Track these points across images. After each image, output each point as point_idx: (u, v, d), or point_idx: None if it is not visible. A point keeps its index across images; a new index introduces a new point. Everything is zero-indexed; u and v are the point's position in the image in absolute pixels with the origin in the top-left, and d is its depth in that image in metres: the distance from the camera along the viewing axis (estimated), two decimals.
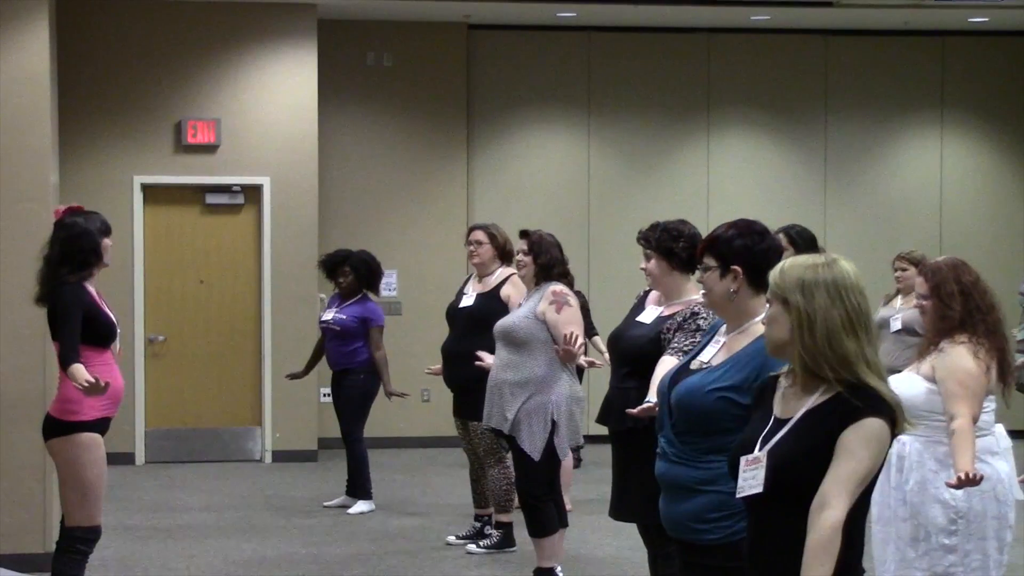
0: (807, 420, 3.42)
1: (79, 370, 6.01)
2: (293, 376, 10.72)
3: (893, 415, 3.36)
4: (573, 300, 7.59)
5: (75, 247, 6.32)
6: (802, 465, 3.37)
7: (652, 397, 5.23)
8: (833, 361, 3.38)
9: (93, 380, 5.91)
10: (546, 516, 7.54)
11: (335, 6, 12.83)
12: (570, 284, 7.81)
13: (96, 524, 6.36)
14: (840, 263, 3.48)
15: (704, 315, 5.53)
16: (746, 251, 4.31)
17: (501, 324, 7.72)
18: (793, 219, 9.31)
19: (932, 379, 5.35)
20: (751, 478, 3.44)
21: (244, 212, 12.71)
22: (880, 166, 14.17)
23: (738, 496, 3.51)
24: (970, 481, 4.95)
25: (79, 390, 5.97)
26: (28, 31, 8.18)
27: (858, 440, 3.32)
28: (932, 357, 5.38)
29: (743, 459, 3.49)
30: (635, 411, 5.25)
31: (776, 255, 4.37)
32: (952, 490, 5.22)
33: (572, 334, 7.16)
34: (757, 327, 4.21)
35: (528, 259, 7.70)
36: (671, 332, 5.69)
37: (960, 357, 5.30)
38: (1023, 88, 14.32)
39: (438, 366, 9.06)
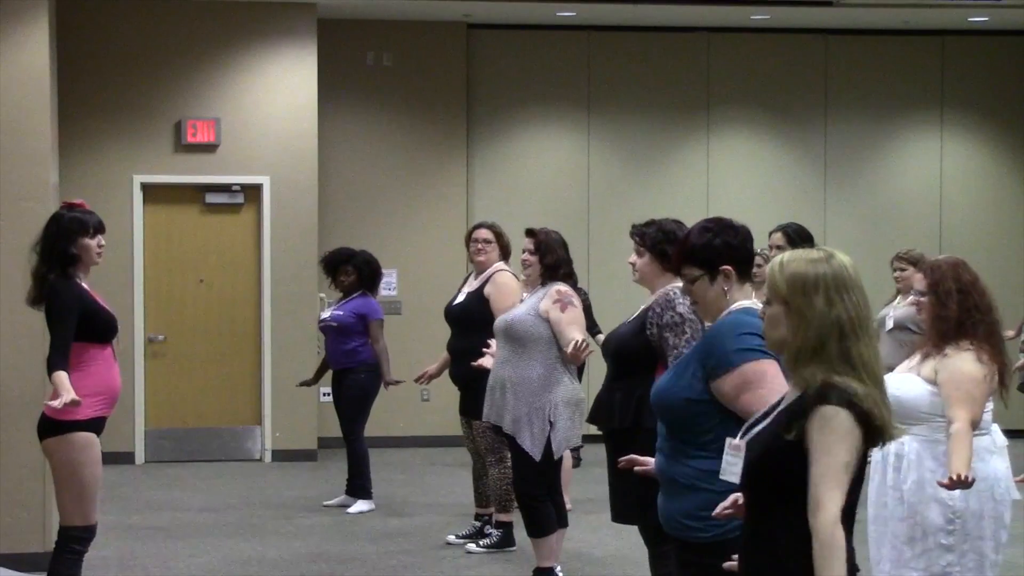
0: (782, 413, 3.43)
1: (62, 379, 5.99)
2: (304, 383, 10.81)
3: (862, 408, 3.29)
4: (577, 300, 7.57)
5: (51, 239, 6.28)
6: (769, 455, 3.37)
7: None
8: (811, 360, 3.37)
9: (69, 400, 5.90)
10: (544, 516, 7.53)
11: (335, 6, 12.83)
12: (574, 284, 7.78)
13: (91, 523, 6.33)
14: (838, 257, 3.46)
15: (680, 300, 5.53)
16: (729, 248, 4.31)
17: (501, 320, 7.70)
18: (793, 219, 9.30)
19: (933, 381, 5.34)
20: (732, 464, 3.46)
21: (244, 212, 12.71)
22: (880, 166, 14.17)
23: (720, 478, 3.53)
24: (962, 483, 4.97)
25: (54, 401, 5.95)
26: (28, 31, 8.18)
27: (822, 433, 3.28)
28: (935, 360, 5.36)
29: (727, 442, 3.50)
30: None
31: (750, 241, 4.40)
32: (950, 490, 5.22)
33: (583, 341, 7.14)
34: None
35: (534, 259, 7.63)
36: (654, 327, 5.65)
37: (964, 362, 5.28)
38: (1023, 88, 14.32)
39: (432, 368, 9.12)
